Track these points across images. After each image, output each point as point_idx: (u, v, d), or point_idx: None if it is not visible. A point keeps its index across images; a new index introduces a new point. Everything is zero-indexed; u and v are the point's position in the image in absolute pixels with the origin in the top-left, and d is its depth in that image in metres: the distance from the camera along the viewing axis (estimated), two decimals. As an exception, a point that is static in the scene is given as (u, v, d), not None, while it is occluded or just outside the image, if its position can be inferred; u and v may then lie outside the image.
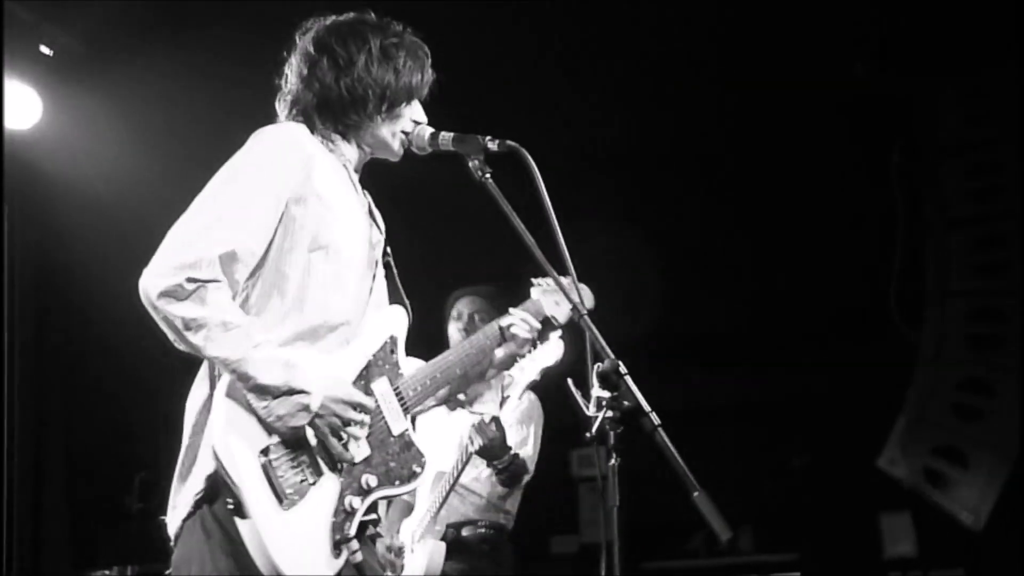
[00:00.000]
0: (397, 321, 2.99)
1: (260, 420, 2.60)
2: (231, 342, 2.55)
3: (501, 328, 3.21)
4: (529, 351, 3.32)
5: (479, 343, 3.21)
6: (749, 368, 8.12)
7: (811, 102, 6.17)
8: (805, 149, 6.45)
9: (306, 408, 2.61)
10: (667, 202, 6.95)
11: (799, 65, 5.95)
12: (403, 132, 3.00)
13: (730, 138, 6.39)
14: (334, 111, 2.93)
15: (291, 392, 2.59)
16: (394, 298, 3.06)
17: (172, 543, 2.69)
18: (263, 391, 2.58)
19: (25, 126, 5.94)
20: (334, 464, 2.70)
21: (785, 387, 8.02)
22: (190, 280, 2.54)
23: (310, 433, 2.66)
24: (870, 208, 6.27)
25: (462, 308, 5.17)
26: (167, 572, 2.71)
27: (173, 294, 2.53)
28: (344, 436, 2.71)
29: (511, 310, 3.28)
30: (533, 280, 4.23)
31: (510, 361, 3.29)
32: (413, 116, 3.01)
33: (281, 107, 3.00)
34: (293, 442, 2.63)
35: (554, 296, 4.13)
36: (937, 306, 5.87)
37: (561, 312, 4.18)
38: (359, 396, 2.75)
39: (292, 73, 2.97)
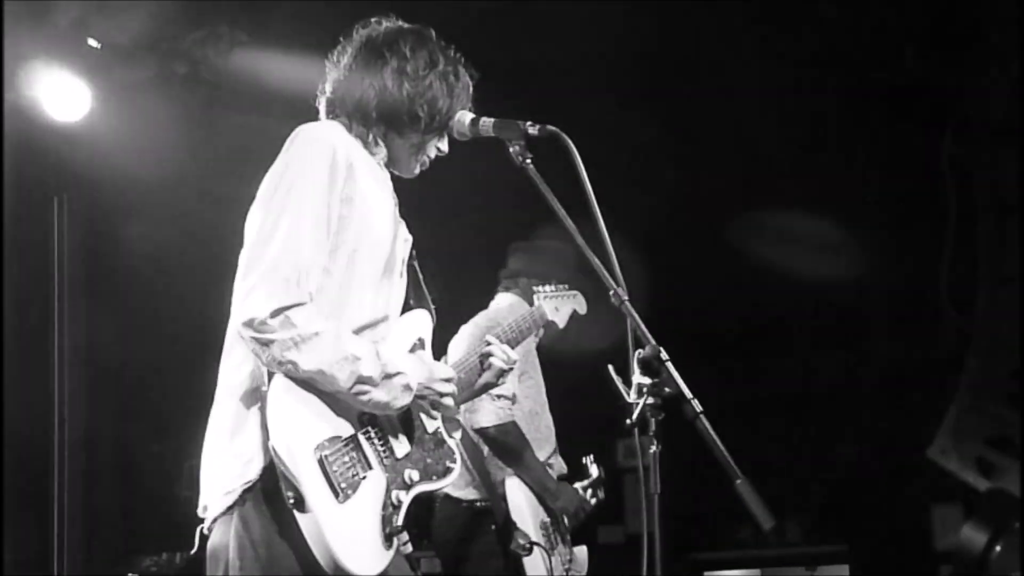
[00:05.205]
0: (423, 323, 3.07)
1: (313, 416, 2.66)
2: (326, 350, 2.63)
3: (481, 357, 3.20)
4: (502, 382, 3.30)
5: (471, 365, 3.20)
6: (796, 358, 8.06)
7: (862, 88, 6.11)
8: (857, 135, 6.39)
9: (408, 387, 2.75)
10: (713, 188, 6.91)
11: (850, 52, 5.90)
12: (427, 156, 3.05)
13: (781, 124, 6.35)
14: (387, 114, 2.95)
15: (390, 376, 2.70)
16: (419, 299, 3.11)
17: (208, 527, 2.73)
18: (365, 382, 2.67)
19: (75, 118, 6.01)
20: (381, 459, 2.77)
21: (835, 377, 7.95)
22: (276, 311, 2.60)
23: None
24: (921, 194, 6.20)
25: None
26: (193, 552, 2.76)
27: (264, 326, 2.60)
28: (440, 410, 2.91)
29: (489, 338, 3.25)
30: (534, 288, 4.28)
31: (481, 391, 3.28)
32: (440, 145, 3.06)
33: (329, 90, 3.02)
34: (345, 438, 2.69)
35: (554, 302, 4.18)
36: (990, 293, 5.78)
37: (561, 317, 4.24)
38: (445, 370, 2.93)
39: (355, 64, 2.99)
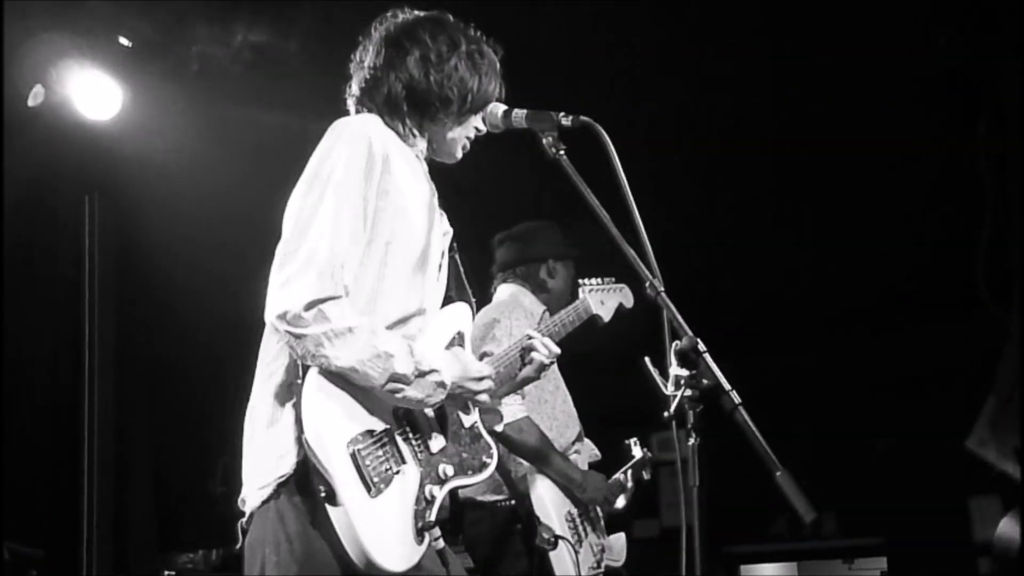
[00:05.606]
0: (463, 316, 3.06)
1: (347, 411, 2.66)
2: (359, 346, 2.62)
3: (523, 351, 3.18)
4: (543, 376, 3.28)
5: (512, 358, 3.19)
6: (832, 350, 8.02)
7: (894, 76, 6.05)
8: (895, 123, 6.33)
9: (442, 384, 2.74)
10: (748, 178, 6.87)
11: (881, 38, 5.84)
12: (467, 138, 3.06)
13: (819, 112, 6.30)
14: (419, 103, 2.97)
15: (423, 374, 2.70)
16: (459, 292, 3.10)
17: (246, 521, 2.74)
18: (399, 380, 2.66)
19: (106, 117, 6.03)
20: (415, 454, 2.77)
21: (871, 368, 7.90)
22: (310, 304, 2.60)
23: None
24: (956, 182, 6.12)
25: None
26: (236, 547, 2.76)
27: (298, 319, 2.60)
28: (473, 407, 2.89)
29: (531, 332, 3.23)
30: (580, 281, 4.27)
31: (522, 384, 3.26)
32: (477, 124, 3.07)
33: (356, 89, 3.03)
34: (379, 432, 2.69)
35: (600, 295, 4.15)
36: (1027, 282, 5.70)
37: (606, 310, 4.20)
38: (481, 367, 2.91)
39: (378, 59, 3.00)
